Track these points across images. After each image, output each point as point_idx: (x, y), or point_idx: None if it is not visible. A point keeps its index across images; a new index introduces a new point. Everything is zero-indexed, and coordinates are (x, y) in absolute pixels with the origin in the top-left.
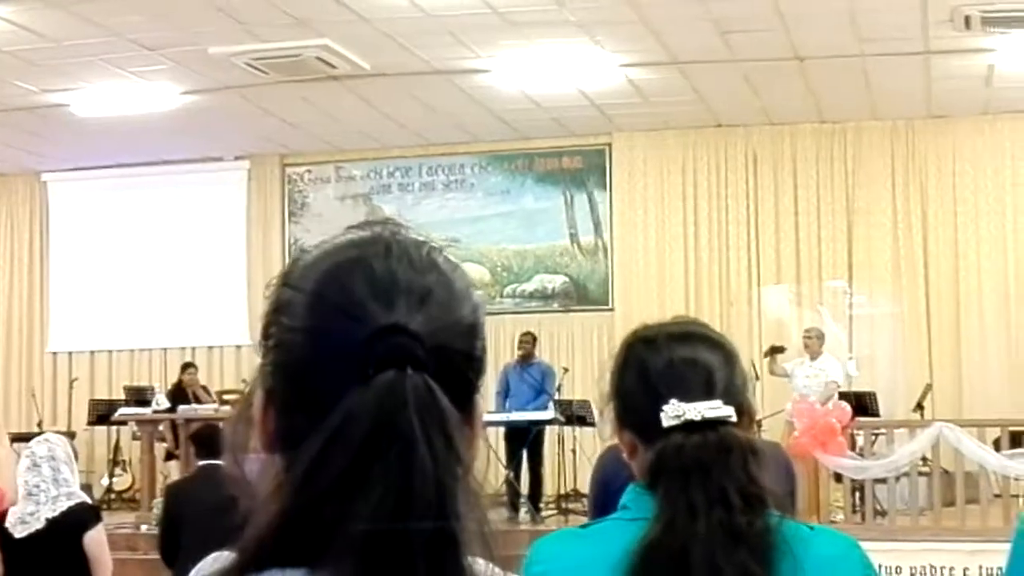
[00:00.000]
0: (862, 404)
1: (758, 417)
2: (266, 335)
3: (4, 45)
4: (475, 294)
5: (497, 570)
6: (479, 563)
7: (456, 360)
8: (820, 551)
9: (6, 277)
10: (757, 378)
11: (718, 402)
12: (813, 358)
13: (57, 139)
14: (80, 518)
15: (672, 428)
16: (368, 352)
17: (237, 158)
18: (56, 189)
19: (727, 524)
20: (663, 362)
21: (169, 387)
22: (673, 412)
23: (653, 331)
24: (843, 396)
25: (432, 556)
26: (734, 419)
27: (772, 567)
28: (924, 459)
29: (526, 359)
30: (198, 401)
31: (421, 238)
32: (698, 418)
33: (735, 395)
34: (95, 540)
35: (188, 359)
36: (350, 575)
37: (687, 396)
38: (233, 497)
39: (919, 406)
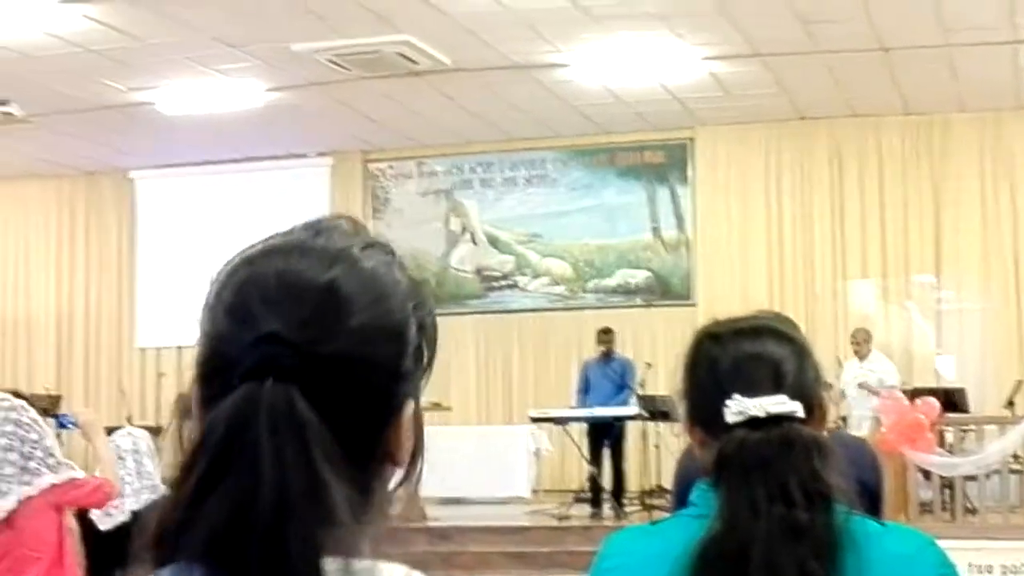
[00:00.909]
0: (951, 400)
1: (843, 413)
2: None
3: (91, 44)
4: (404, 297)
5: (378, 569)
6: (342, 564)
7: (357, 368)
8: (890, 549)
9: (95, 273)
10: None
11: (783, 397)
12: (862, 359)
13: (144, 137)
14: None
15: (736, 424)
16: (242, 361)
17: (320, 154)
18: (143, 186)
19: (788, 521)
20: (729, 358)
21: None
22: (736, 408)
23: (721, 326)
24: (932, 392)
25: (268, 561)
26: (800, 414)
27: (835, 565)
28: (1015, 456)
29: (607, 355)
30: None
31: (353, 238)
32: (762, 414)
33: (805, 390)
34: None
35: None
36: None
37: (753, 391)
38: None
39: (1010, 402)
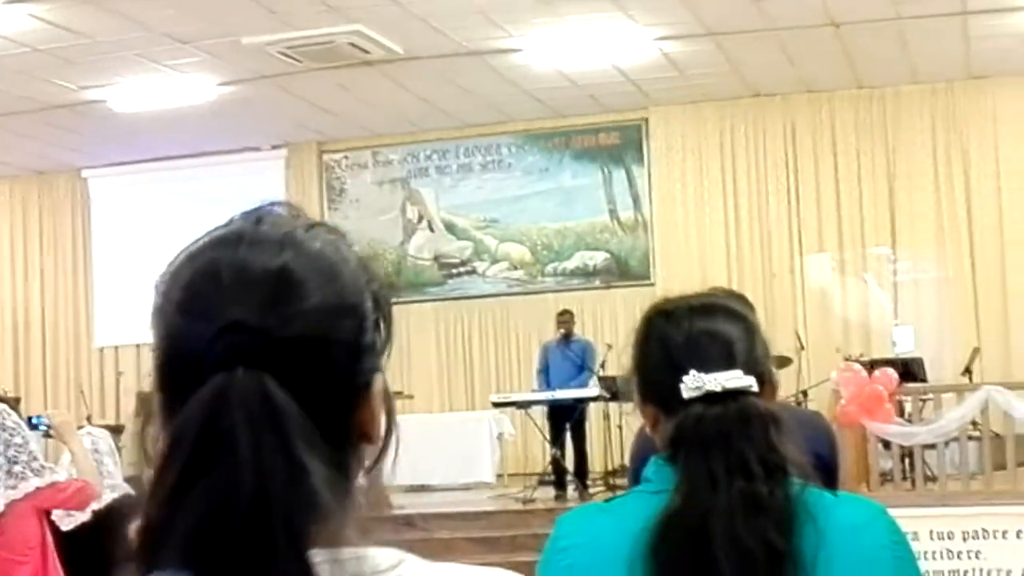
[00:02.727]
0: (909, 370)
1: (804, 387)
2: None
3: (39, 43)
4: (355, 273)
5: (367, 556)
6: (329, 554)
7: (321, 349)
8: (844, 519)
9: (51, 274)
10: (802, 348)
11: (738, 372)
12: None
13: (96, 135)
14: (125, 510)
15: (692, 399)
16: (208, 354)
17: (274, 147)
18: (97, 185)
19: (748, 493)
20: (682, 334)
21: None
22: (693, 383)
23: (672, 304)
24: (889, 362)
25: (254, 558)
26: (755, 389)
27: (793, 536)
28: (974, 423)
29: (567, 337)
30: None
31: (294, 221)
32: (718, 389)
33: (756, 365)
34: None
35: None
36: None
37: (707, 367)
38: None
39: (967, 370)
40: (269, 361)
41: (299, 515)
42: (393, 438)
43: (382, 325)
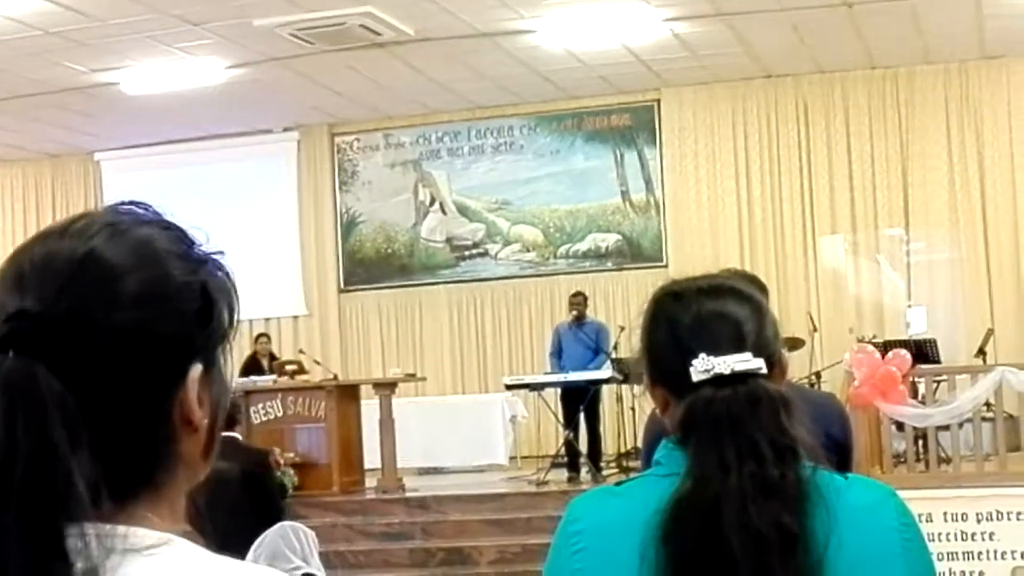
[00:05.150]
0: (922, 351)
1: (817, 368)
2: None
3: (51, 26)
4: (180, 261)
5: (130, 533)
6: (81, 530)
7: (125, 335)
8: (854, 501)
9: None
10: (815, 329)
11: (747, 355)
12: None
13: (108, 118)
14: None
15: (702, 382)
16: None
17: (286, 129)
18: (109, 168)
19: (759, 477)
20: (691, 316)
21: (244, 359)
22: (702, 366)
23: (681, 285)
24: (903, 344)
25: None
26: (764, 371)
27: (805, 518)
28: (987, 404)
29: (579, 319)
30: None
31: (124, 215)
32: (727, 371)
33: (765, 347)
34: None
35: (244, 332)
36: None
37: (716, 350)
38: (240, 467)
39: (981, 351)
40: (51, 348)
41: (45, 493)
42: (217, 427)
43: (214, 316)
